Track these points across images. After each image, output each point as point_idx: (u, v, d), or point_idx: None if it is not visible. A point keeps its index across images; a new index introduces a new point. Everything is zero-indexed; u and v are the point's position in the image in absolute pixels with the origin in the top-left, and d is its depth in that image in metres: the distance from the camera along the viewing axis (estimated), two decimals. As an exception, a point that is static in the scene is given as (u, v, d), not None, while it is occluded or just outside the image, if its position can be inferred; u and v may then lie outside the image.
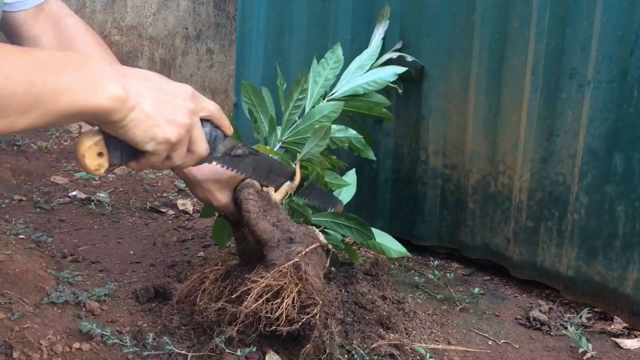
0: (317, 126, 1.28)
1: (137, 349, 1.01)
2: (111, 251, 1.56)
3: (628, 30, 1.20)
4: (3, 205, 1.84)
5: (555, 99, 1.34)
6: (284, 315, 0.90)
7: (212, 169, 1.05)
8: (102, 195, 2.04)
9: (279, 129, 1.35)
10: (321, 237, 1.09)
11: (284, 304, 0.91)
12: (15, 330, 1.02)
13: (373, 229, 1.31)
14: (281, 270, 0.95)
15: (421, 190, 1.65)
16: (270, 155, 1.22)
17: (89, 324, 1.04)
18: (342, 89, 1.46)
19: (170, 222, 1.89)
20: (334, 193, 1.40)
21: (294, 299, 0.92)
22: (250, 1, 1.97)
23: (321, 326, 0.93)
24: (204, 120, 0.89)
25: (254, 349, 0.97)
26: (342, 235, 1.32)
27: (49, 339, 1.02)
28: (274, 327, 0.92)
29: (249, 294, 0.93)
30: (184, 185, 2.25)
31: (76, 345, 1.01)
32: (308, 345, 0.93)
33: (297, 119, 1.37)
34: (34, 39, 1.11)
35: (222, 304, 0.99)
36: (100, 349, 1.01)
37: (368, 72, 1.49)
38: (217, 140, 0.93)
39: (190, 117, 0.84)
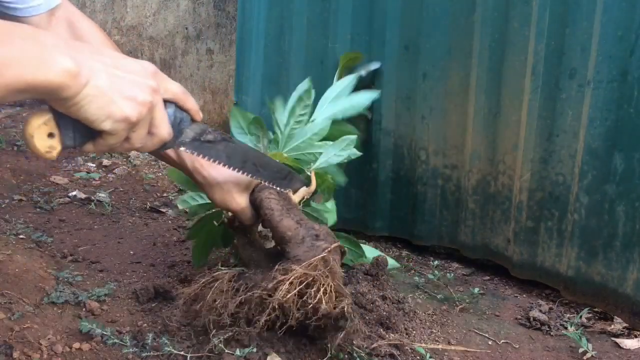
0: (342, 137, 1.33)
1: (136, 349, 1.01)
2: (111, 251, 1.57)
3: (628, 30, 1.20)
4: (3, 205, 1.84)
5: (555, 99, 1.34)
6: (322, 305, 0.91)
7: (231, 171, 1.05)
8: (102, 195, 2.04)
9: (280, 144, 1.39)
10: None
11: (319, 294, 0.92)
12: (15, 330, 1.02)
13: (364, 247, 1.37)
14: (312, 263, 0.96)
15: (421, 190, 1.65)
16: (282, 162, 1.23)
17: (89, 324, 1.04)
18: (320, 116, 1.48)
19: (170, 222, 1.89)
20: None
21: (327, 290, 0.93)
22: (250, 1, 1.97)
23: (352, 317, 0.95)
24: (167, 102, 0.83)
25: (254, 349, 0.96)
26: None
27: (49, 339, 1.02)
28: (313, 318, 0.92)
29: (278, 287, 0.94)
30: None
31: (76, 345, 1.01)
32: (340, 334, 0.95)
33: (297, 134, 1.40)
34: None
35: (259, 292, 0.97)
36: (100, 349, 1.01)
37: (345, 98, 1.52)
38: (182, 124, 0.87)
39: (152, 95, 0.78)
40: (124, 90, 0.74)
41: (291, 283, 0.93)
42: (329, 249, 1.01)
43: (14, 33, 0.67)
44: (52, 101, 0.72)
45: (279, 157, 1.32)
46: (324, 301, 0.92)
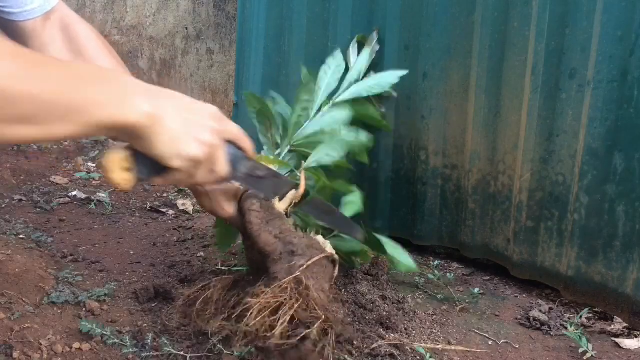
0: (328, 132, 1.29)
1: (136, 349, 1.01)
2: (111, 251, 1.57)
3: (628, 30, 1.20)
4: (3, 206, 1.84)
5: (555, 99, 1.34)
6: (278, 332, 0.89)
7: None
8: (102, 195, 2.04)
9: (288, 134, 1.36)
10: (328, 247, 1.07)
11: (281, 320, 0.90)
12: (15, 330, 1.02)
13: (385, 239, 1.32)
14: (281, 286, 0.94)
15: (421, 190, 1.65)
16: (275, 164, 1.23)
17: (89, 324, 1.04)
18: (344, 94, 1.47)
19: (170, 222, 1.89)
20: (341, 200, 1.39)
21: (292, 316, 0.91)
22: (250, 1, 1.97)
23: (316, 340, 0.92)
24: (226, 141, 0.92)
25: (253, 349, 0.96)
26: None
27: (49, 339, 1.02)
28: (270, 343, 0.90)
29: (249, 311, 0.92)
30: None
31: (76, 345, 1.01)
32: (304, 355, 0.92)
33: (304, 121, 1.37)
34: (42, 47, 1.11)
35: (222, 323, 0.99)
36: (100, 349, 1.01)
37: (370, 77, 1.51)
38: (238, 161, 0.96)
39: (215, 137, 0.87)
40: (192, 131, 0.83)
41: (257, 310, 0.91)
42: (305, 266, 0.98)
43: (103, 77, 0.77)
44: (129, 138, 0.81)
45: (266, 160, 1.30)
46: (281, 329, 0.89)
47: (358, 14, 1.68)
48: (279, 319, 0.90)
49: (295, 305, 0.91)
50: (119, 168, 0.83)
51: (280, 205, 1.12)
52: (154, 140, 0.80)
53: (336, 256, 1.06)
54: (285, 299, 0.92)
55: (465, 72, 1.51)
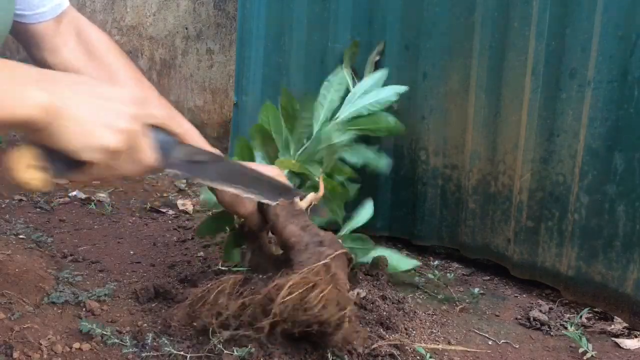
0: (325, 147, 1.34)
1: (136, 349, 1.01)
2: (111, 251, 1.57)
3: (628, 30, 1.20)
4: (3, 206, 1.84)
5: (555, 99, 1.34)
6: (316, 311, 0.90)
7: None
8: (102, 195, 2.04)
9: (291, 148, 1.39)
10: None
11: (316, 300, 0.90)
12: (15, 330, 1.02)
13: (380, 249, 1.35)
14: (313, 269, 0.95)
15: (421, 190, 1.65)
16: (291, 169, 1.23)
17: (89, 324, 1.04)
18: (345, 112, 1.48)
19: (170, 222, 1.89)
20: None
21: (326, 297, 0.91)
22: (250, 1, 1.97)
23: (351, 324, 0.94)
24: (154, 127, 0.83)
25: (252, 349, 0.96)
26: None
27: (49, 339, 1.02)
28: (309, 325, 0.91)
29: (279, 291, 0.92)
30: (184, 185, 2.25)
31: (76, 345, 1.01)
32: (335, 338, 0.93)
33: (305, 139, 1.40)
34: (55, 50, 1.10)
35: (248, 299, 0.96)
36: (100, 349, 1.01)
37: (370, 93, 1.51)
38: (170, 147, 0.87)
39: (133, 123, 0.77)
40: (102, 119, 0.74)
41: (291, 288, 0.92)
42: (332, 255, 1.00)
43: None
44: (30, 133, 0.72)
45: (288, 165, 1.32)
46: (317, 308, 0.90)
47: (358, 14, 1.68)
48: (314, 299, 0.90)
49: (327, 288, 0.92)
50: (26, 167, 0.74)
51: (301, 205, 1.14)
52: (58, 134, 0.71)
53: (351, 255, 1.09)
54: (318, 281, 0.93)
55: (465, 72, 1.51)
